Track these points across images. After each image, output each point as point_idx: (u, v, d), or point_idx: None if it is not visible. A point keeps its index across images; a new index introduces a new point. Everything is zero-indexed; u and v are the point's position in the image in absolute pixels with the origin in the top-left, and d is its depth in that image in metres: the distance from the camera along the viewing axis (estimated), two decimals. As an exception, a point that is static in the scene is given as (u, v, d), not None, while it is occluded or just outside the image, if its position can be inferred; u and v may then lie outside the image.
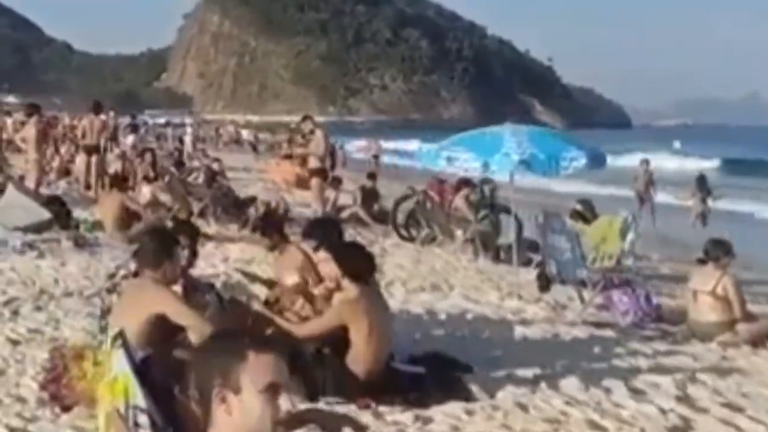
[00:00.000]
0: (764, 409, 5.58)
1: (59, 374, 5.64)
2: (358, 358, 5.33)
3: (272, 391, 2.20)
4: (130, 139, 25.89)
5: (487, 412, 5.21)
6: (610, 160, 12.20)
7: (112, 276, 6.21)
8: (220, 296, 5.73)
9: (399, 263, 11.08)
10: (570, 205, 12.14)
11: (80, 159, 18.32)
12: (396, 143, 60.14)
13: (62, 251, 10.53)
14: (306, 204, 16.53)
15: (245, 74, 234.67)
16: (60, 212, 12.23)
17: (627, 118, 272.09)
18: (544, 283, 9.42)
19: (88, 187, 17.17)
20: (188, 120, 53.37)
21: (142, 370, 3.22)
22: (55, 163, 20.01)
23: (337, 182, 16.57)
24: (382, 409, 5.16)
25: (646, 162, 21.58)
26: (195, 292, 5.54)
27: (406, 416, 5.08)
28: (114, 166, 17.56)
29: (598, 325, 8.20)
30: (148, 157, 17.40)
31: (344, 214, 15.25)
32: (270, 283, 6.59)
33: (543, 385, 5.83)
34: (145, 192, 13.76)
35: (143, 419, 3.06)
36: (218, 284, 7.11)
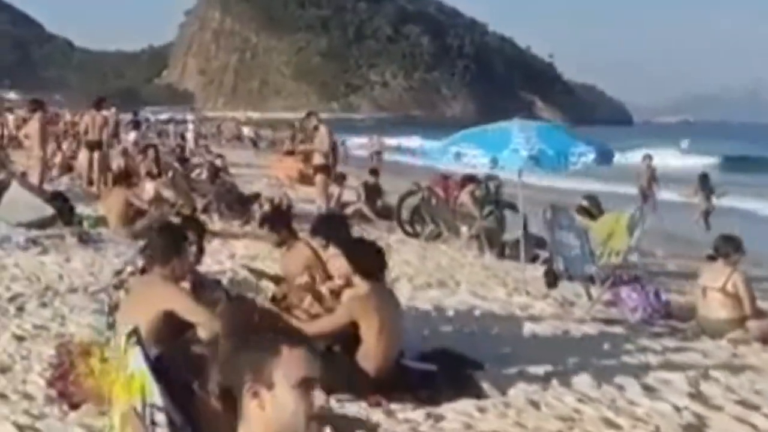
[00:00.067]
0: (779, 406, 5.52)
1: (66, 371, 5.58)
2: (369, 356, 5.27)
3: (305, 386, 2.19)
4: (132, 135, 25.82)
5: (499, 410, 5.16)
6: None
7: (119, 272, 6.16)
8: (228, 293, 5.67)
9: (405, 259, 11.02)
10: (574, 202, 12.09)
11: (83, 155, 18.26)
12: (397, 140, 60.03)
13: (66, 247, 10.48)
14: (309, 200, 16.48)
15: (246, 71, 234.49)
16: (63, 208, 12.19)
17: (628, 115, 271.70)
18: (552, 279, 9.36)
19: (90, 183, 17.12)
20: (190, 116, 53.22)
21: (158, 368, 3.15)
22: (57, 159, 19.94)
23: (341, 178, 16.50)
24: (393, 406, 5.11)
25: (648, 158, 21.48)
26: (204, 288, 5.48)
27: (417, 414, 5.02)
28: (116, 163, 17.51)
29: (607, 321, 8.15)
30: (151, 153, 17.33)
31: (348, 211, 15.19)
32: (277, 280, 6.54)
33: (555, 382, 5.77)
34: (148, 188, 13.68)
35: (160, 417, 3.00)
36: (225, 281, 7.07)
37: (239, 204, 14.44)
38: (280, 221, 7.03)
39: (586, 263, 8.88)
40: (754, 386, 6.06)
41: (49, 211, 11.88)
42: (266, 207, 12.81)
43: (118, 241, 11.13)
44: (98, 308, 6.86)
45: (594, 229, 10.02)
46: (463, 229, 12.94)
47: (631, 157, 23.79)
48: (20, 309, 7.30)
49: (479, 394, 5.41)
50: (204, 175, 16.92)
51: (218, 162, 18.16)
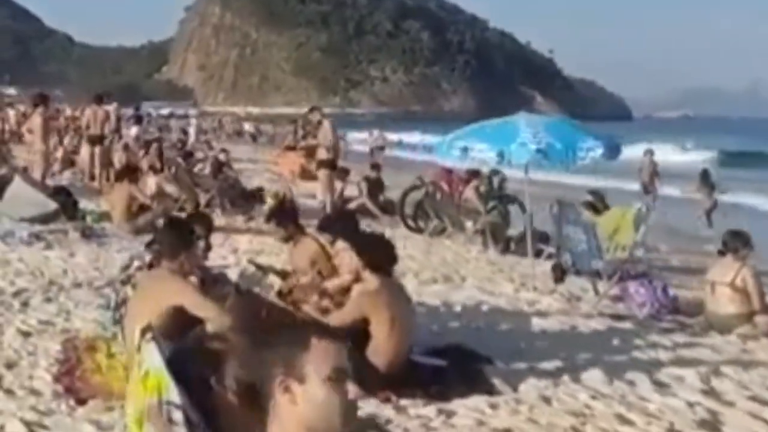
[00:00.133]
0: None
1: (73, 366, 5.56)
2: (379, 351, 5.22)
3: (336, 378, 2.15)
4: (133, 130, 25.70)
5: (511, 406, 5.11)
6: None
7: (126, 267, 6.11)
8: (238, 287, 5.63)
9: (410, 254, 10.97)
10: (579, 197, 12.03)
11: (84, 150, 18.23)
12: (397, 135, 59.97)
13: (70, 242, 10.45)
14: (311, 195, 16.43)
15: (246, 66, 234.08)
16: (66, 203, 12.16)
17: (628, 110, 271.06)
18: (559, 274, 9.30)
19: (92, 178, 17.09)
20: (192, 111, 53.23)
21: (175, 364, 3.10)
22: (59, 154, 19.90)
23: (344, 173, 16.42)
24: (403, 402, 5.06)
25: (650, 152, 21.45)
26: (214, 283, 5.44)
27: (428, 410, 4.97)
28: (117, 158, 17.46)
29: (615, 316, 8.10)
30: (154, 148, 17.28)
31: (352, 206, 15.13)
32: (283, 274, 6.50)
33: (565, 377, 5.72)
34: (150, 183, 13.65)
35: (177, 415, 2.95)
36: (231, 275, 7.02)
37: (242, 199, 14.40)
38: (286, 216, 7.00)
39: (594, 258, 8.81)
40: (765, 382, 6.01)
41: (52, 206, 11.85)
42: (270, 202, 12.77)
43: (121, 236, 11.11)
44: (103, 303, 6.82)
45: (600, 224, 9.96)
46: (468, 224, 12.88)
47: (631, 153, 23.72)
48: (25, 304, 7.26)
49: (490, 390, 5.35)
50: (207, 170, 16.87)
51: (222, 156, 18.07)
